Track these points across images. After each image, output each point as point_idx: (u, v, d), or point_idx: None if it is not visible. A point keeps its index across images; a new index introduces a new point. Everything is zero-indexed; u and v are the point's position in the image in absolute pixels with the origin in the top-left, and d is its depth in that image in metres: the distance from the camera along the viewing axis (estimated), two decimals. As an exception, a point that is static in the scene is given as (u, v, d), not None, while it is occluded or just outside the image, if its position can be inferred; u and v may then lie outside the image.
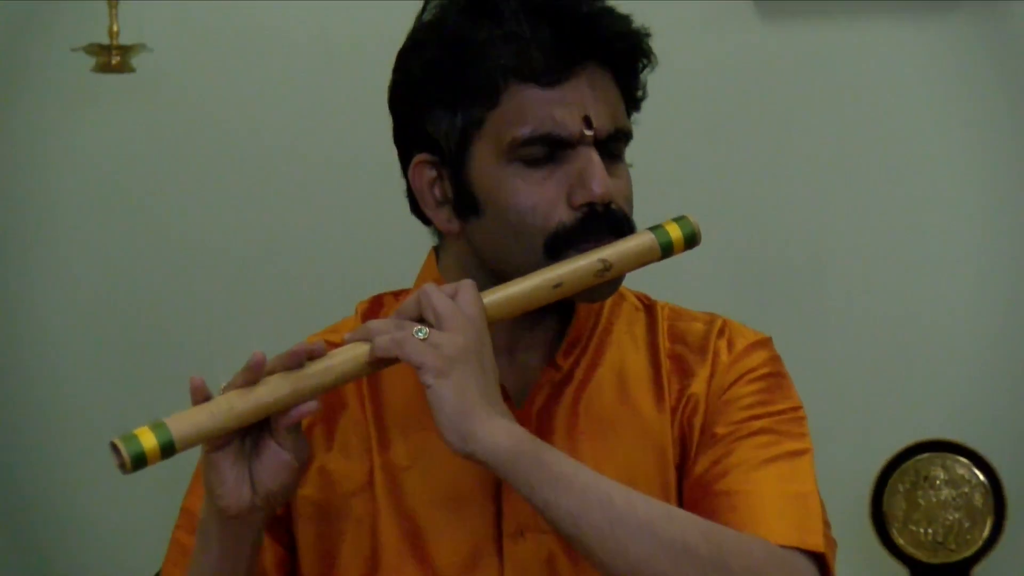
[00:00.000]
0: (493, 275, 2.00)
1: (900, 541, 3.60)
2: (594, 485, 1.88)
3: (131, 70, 3.84)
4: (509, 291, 1.96)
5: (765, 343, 2.10)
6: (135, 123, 4.11)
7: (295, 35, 4.02)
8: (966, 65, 3.83)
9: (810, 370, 3.67)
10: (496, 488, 2.01)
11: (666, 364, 2.08)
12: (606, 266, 1.97)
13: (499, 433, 1.87)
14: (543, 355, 2.06)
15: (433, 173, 2.04)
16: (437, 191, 2.04)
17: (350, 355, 1.91)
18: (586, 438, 2.03)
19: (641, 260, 2.00)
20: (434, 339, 1.88)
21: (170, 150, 4.10)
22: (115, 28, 3.81)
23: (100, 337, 4.11)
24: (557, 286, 1.96)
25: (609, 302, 2.10)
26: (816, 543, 1.95)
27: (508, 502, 2.01)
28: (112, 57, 3.82)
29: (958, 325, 3.79)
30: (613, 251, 1.98)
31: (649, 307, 2.13)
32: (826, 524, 2.00)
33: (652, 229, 2.02)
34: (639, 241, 2.01)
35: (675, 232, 2.02)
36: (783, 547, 1.93)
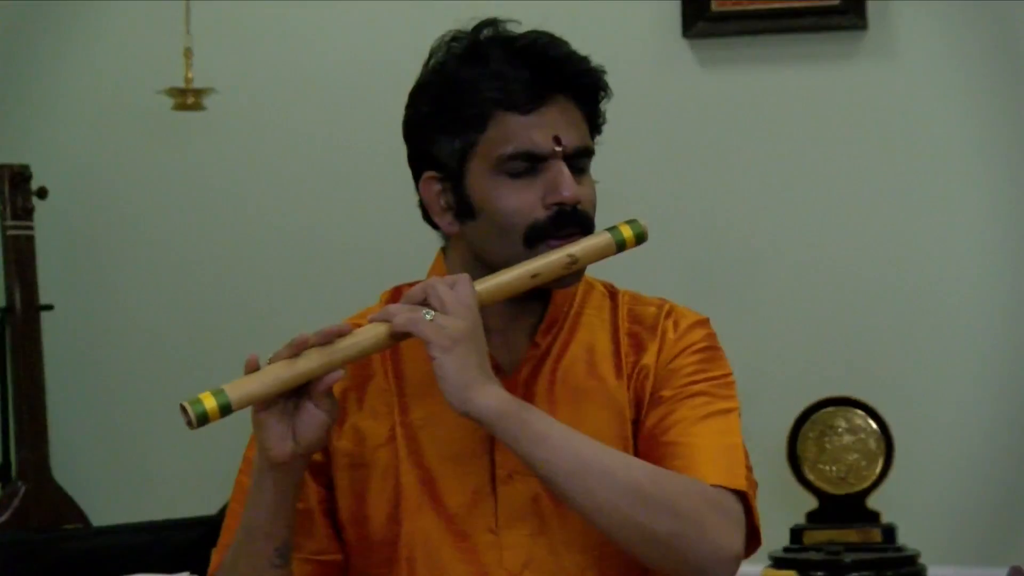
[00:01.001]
0: (486, 267, 2.02)
1: (811, 477, 3.61)
2: (565, 439, 1.92)
3: (203, 109, 3.84)
4: (497, 280, 1.99)
5: (704, 323, 2.12)
6: (207, 152, 4.11)
7: (341, 77, 4.02)
8: (870, 108, 3.84)
9: (740, 343, 3.70)
10: (490, 443, 2.03)
11: (624, 341, 2.09)
12: (573, 259, 2.00)
13: (490, 397, 1.91)
14: (528, 335, 2.08)
15: (438, 187, 2.06)
16: (442, 201, 2.06)
17: (372, 333, 1.94)
18: (562, 402, 2.04)
19: (601, 254, 2.03)
20: (440, 321, 1.91)
21: (235, 174, 4.10)
22: (190, 75, 3.82)
23: (175, 324, 4.11)
24: (535, 276, 1.99)
25: (581, 290, 2.12)
26: (740, 484, 1.97)
27: (499, 453, 2.02)
28: (188, 98, 3.82)
29: (855, 309, 3.81)
30: (578, 247, 2.01)
31: (613, 294, 2.15)
32: (749, 468, 2.02)
33: (609, 229, 2.05)
34: (599, 239, 2.03)
35: (627, 232, 2.05)
36: (715, 486, 1.95)
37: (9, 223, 3.95)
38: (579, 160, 2.04)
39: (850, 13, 3.78)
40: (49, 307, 3.99)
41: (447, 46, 2.07)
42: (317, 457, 2.07)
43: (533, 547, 2.01)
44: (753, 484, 2.02)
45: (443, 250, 2.12)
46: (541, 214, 2.00)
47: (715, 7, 3.84)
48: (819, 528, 3.56)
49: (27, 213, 3.97)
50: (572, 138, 2.02)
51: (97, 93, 4.15)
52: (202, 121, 3.98)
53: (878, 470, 3.59)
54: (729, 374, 2.09)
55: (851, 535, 3.55)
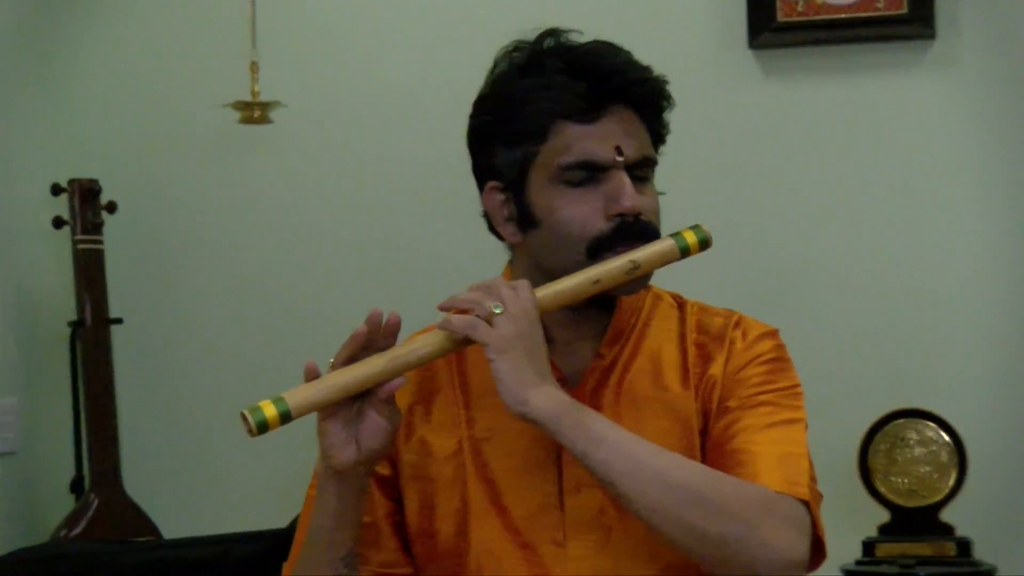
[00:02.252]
0: (548, 277, 2.01)
1: (882, 489, 3.57)
2: (621, 441, 1.91)
3: (269, 122, 3.86)
4: (558, 287, 1.98)
5: (773, 334, 2.10)
6: (273, 165, 4.12)
7: (407, 90, 4.02)
8: (937, 119, 3.80)
9: (808, 355, 3.67)
10: (557, 454, 2.02)
11: (692, 351, 2.08)
12: (635, 265, 1.99)
13: (547, 398, 1.90)
14: (593, 346, 2.07)
15: (501, 196, 2.06)
16: (505, 211, 2.06)
17: (431, 340, 1.94)
18: (627, 413, 2.03)
19: (664, 260, 2.02)
20: (496, 323, 1.90)
21: (301, 187, 4.11)
22: (256, 88, 3.83)
23: (243, 335, 4.12)
24: (596, 282, 1.98)
25: (648, 302, 2.11)
26: (802, 492, 1.95)
27: (567, 465, 2.01)
28: (254, 112, 3.84)
29: (927, 321, 3.77)
30: (641, 253, 1.99)
31: (681, 305, 2.14)
32: (812, 479, 2.00)
33: (672, 235, 2.03)
34: (662, 244, 2.02)
35: (691, 237, 2.03)
36: (775, 492, 1.93)
37: (79, 237, 3.97)
38: (641, 170, 2.03)
39: (917, 22, 3.72)
40: (119, 320, 4.01)
41: (508, 56, 2.07)
42: (385, 471, 2.07)
43: (598, 559, 2.00)
44: (817, 495, 1.99)
45: (510, 262, 2.13)
46: (603, 225, 1.99)
47: (781, 17, 3.81)
48: (892, 541, 3.51)
49: (96, 227, 3.99)
50: (633, 148, 2.01)
51: (165, 107, 4.16)
52: (268, 134, 4.00)
53: (951, 483, 3.55)
54: (797, 385, 2.07)
55: (924, 549, 3.50)
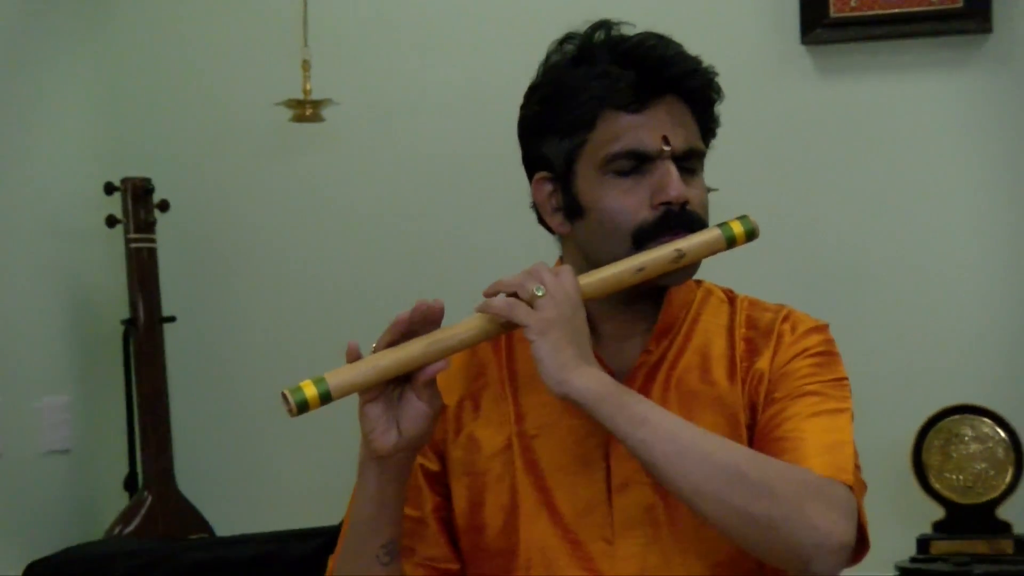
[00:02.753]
0: (595, 267, 2.01)
1: (937, 486, 3.55)
2: (664, 421, 1.89)
3: (321, 120, 3.88)
4: (602, 274, 1.97)
5: (822, 328, 2.09)
6: (325, 163, 4.13)
7: (457, 87, 4.02)
8: (994, 114, 3.76)
9: (862, 351, 3.67)
10: (605, 451, 2.02)
11: (740, 346, 2.07)
12: (680, 254, 1.98)
13: (588, 379, 1.88)
14: (642, 341, 2.06)
15: (549, 187, 2.06)
16: (553, 201, 2.06)
17: (473, 324, 1.93)
18: (675, 408, 2.02)
19: (710, 249, 2.01)
20: (537, 305, 1.90)
21: (353, 185, 4.12)
22: (308, 87, 3.85)
23: (296, 333, 4.14)
24: (640, 270, 1.97)
25: (699, 297, 2.10)
26: (847, 479, 1.93)
27: (615, 461, 2.01)
28: (306, 110, 3.85)
29: (981, 317, 3.74)
30: (686, 243, 1.98)
31: (732, 300, 2.13)
32: (857, 468, 1.98)
33: (719, 225, 2.02)
34: (708, 234, 2.01)
35: (738, 228, 2.02)
36: (821, 476, 1.91)
37: (132, 236, 3.99)
38: (688, 161, 2.03)
39: (973, 17, 3.69)
40: (172, 319, 4.03)
41: (559, 48, 2.07)
42: (434, 466, 2.07)
43: (647, 556, 2.00)
44: (862, 484, 1.98)
45: (560, 256, 2.13)
46: (649, 215, 1.99)
47: (833, 13, 3.79)
48: (946, 538, 3.49)
49: (149, 226, 4.01)
50: (681, 139, 2.01)
51: (217, 105, 4.19)
52: (320, 132, 4.02)
53: (1007, 479, 3.52)
54: (844, 378, 2.05)
55: (980, 546, 3.48)
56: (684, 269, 2.00)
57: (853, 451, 1.99)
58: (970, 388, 3.65)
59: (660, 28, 2.09)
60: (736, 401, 2.04)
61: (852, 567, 1.96)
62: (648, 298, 2.05)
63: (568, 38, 2.07)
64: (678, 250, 1.98)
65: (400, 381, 1.92)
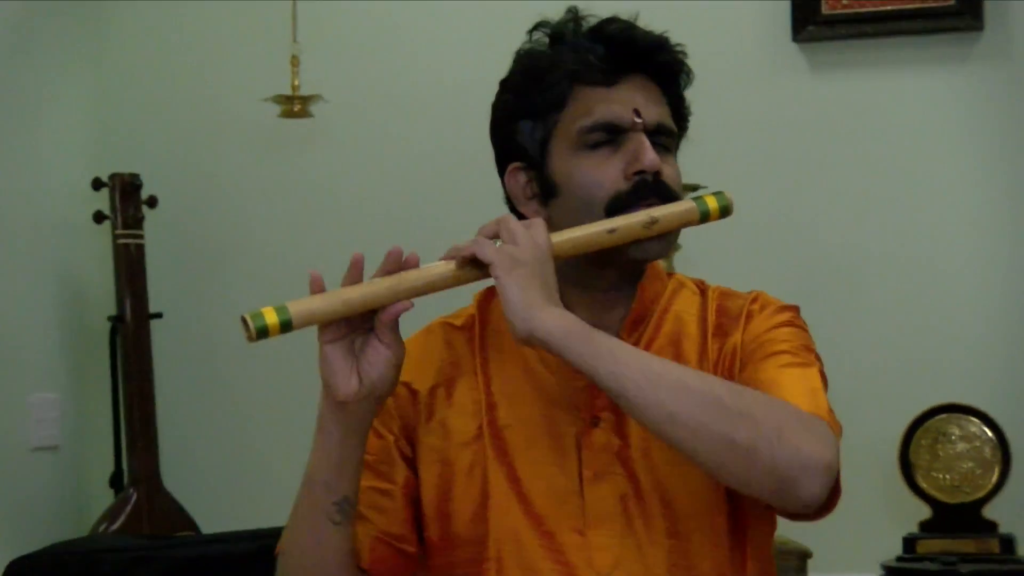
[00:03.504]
0: (579, 264, 2.00)
1: (924, 485, 3.55)
2: (635, 354, 1.87)
3: (310, 116, 3.88)
4: (574, 232, 1.96)
5: (792, 308, 2.07)
6: (313, 159, 4.14)
7: (446, 83, 4.03)
8: (986, 112, 3.77)
9: (850, 348, 3.68)
10: (578, 441, 2.00)
11: (711, 331, 2.05)
12: (653, 220, 1.96)
13: (555, 317, 1.86)
14: (614, 333, 2.03)
15: (524, 176, 2.06)
16: (528, 189, 2.06)
17: (441, 267, 1.91)
18: None
19: (682, 219, 2.00)
20: (505, 247, 1.89)
21: (341, 181, 4.13)
22: (296, 83, 3.85)
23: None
24: (612, 231, 1.96)
25: (671, 288, 2.09)
26: (825, 417, 1.90)
27: (588, 452, 2.00)
28: (295, 105, 3.85)
29: (969, 316, 3.75)
30: (660, 210, 1.98)
31: (703, 291, 2.11)
32: (832, 413, 1.94)
33: (694, 198, 2.02)
34: (682, 205, 2.01)
35: (712, 203, 2.02)
36: (799, 408, 1.89)
37: (120, 232, 3.99)
38: (660, 137, 2.03)
39: (966, 14, 3.70)
40: (159, 315, 4.03)
41: (529, 37, 2.09)
42: (405, 450, 2.06)
43: (621, 548, 1.98)
44: (839, 427, 1.94)
45: None
46: (623, 185, 1.99)
47: (825, 10, 3.80)
48: (933, 537, 3.49)
49: (137, 222, 4.00)
50: (653, 113, 2.02)
51: (205, 101, 4.19)
52: (309, 128, 4.02)
53: (994, 479, 3.53)
54: (814, 349, 2.03)
55: (967, 545, 3.48)
56: (658, 241, 1.99)
57: (826, 399, 1.95)
58: (958, 387, 3.65)
59: (653, 27, 2.10)
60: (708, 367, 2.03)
61: (824, 517, 1.93)
62: (621, 287, 2.04)
63: (538, 26, 2.08)
64: (651, 216, 1.97)
65: (362, 327, 1.89)
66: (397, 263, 1.89)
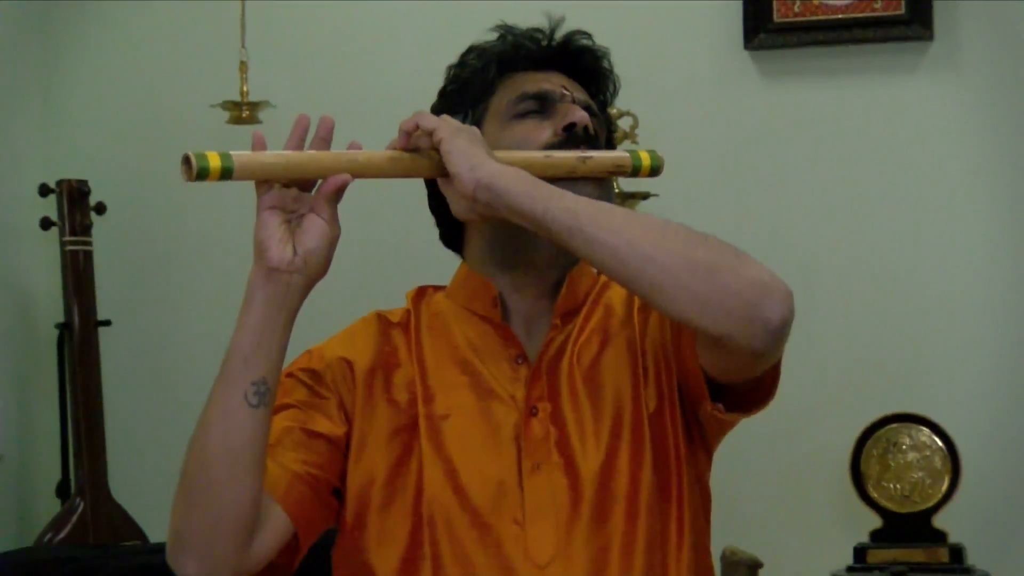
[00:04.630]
0: (504, 240, 2.00)
1: (874, 495, 3.55)
2: (578, 198, 1.87)
3: (258, 122, 3.86)
4: (510, 152, 1.96)
5: None
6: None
7: (396, 91, 3.98)
8: (935, 121, 3.79)
9: (802, 358, 3.67)
10: (516, 434, 1.98)
11: (636, 307, 2.05)
12: (586, 157, 1.97)
13: (502, 166, 1.87)
14: (548, 321, 2.04)
15: None
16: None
17: (385, 152, 1.94)
18: (581, 380, 2.00)
19: (615, 165, 2.01)
20: (447, 117, 1.93)
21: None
22: (245, 89, 3.82)
23: (228, 332, 4.09)
24: (547, 156, 1.97)
25: (602, 282, 2.09)
26: None
27: (527, 443, 1.98)
28: (243, 112, 3.83)
29: (919, 325, 3.76)
30: (595, 152, 1.99)
31: None
32: None
33: (628, 151, 2.04)
34: (616, 153, 2.03)
35: (646, 159, 2.04)
36: None
37: (68, 239, 3.96)
38: (591, 119, 2.04)
39: (915, 24, 3.71)
40: (107, 323, 3.99)
41: (464, 57, 2.12)
42: (339, 430, 1.99)
43: (559, 539, 1.95)
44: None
45: (464, 258, 2.10)
46: (553, 140, 2.00)
47: (777, 18, 3.81)
48: (883, 547, 3.49)
49: (85, 229, 3.98)
50: (581, 95, 2.05)
51: (154, 108, 4.16)
52: (257, 135, 4.00)
53: (944, 488, 3.53)
54: None
55: (917, 555, 3.48)
56: (587, 179, 1.98)
57: None
58: (909, 397, 3.66)
59: (604, 37, 2.13)
60: (634, 340, 2.02)
61: (765, 406, 1.95)
62: (553, 266, 2.03)
63: (471, 50, 2.11)
64: (585, 155, 1.98)
65: (302, 208, 1.88)
66: (330, 130, 1.91)
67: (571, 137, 2.00)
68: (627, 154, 2.03)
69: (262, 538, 1.91)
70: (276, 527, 1.94)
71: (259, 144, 1.87)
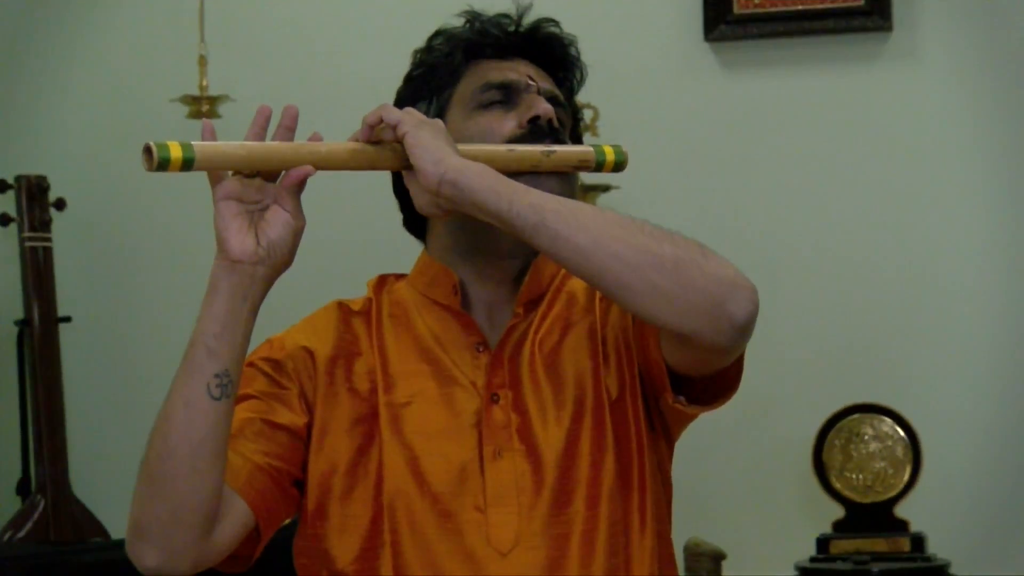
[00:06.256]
0: (473, 226, 1.96)
1: (837, 485, 3.56)
2: (547, 193, 1.86)
3: (218, 116, 3.84)
4: (475, 145, 1.94)
5: None
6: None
7: (357, 85, 3.99)
8: (895, 111, 3.80)
9: (763, 349, 3.67)
10: (477, 420, 1.96)
11: (598, 297, 2.03)
12: (550, 152, 1.95)
13: (467, 161, 1.85)
14: (510, 310, 2.01)
15: None
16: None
17: (346, 143, 1.91)
18: (542, 367, 1.99)
19: (579, 159, 1.99)
20: (410, 109, 1.89)
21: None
22: (204, 83, 3.80)
23: (190, 328, 4.09)
24: (511, 151, 1.94)
25: (563, 273, 2.06)
26: None
27: (488, 429, 1.96)
28: (202, 106, 3.81)
29: (881, 315, 3.77)
30: (559, 147, 1.97)
31: None
32: None
33: (593, 146, 2.02)
34: (581, 148, 2.01)
35: (610, 154, 2.01)
36: None
37: (27, 234, 3.94)
38: (556, 108, 2.01)
39: (875, 14, 3.74)
40: (67, 319, 3.98)
41: (429, 42, 2.08)
42: (300, 421, 1.97)
43: (521, 525, 1.93)
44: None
45: (425, 247, 2.08)
46: (517, 132, 1.98)
47: (737, 10, 3.82)
48: (846, 537, 3.50)
49: (45, 224, 3.96)
50: (546, 84, 2.02)
51: (112, 102, 4.14)
52: (217, 129, 3.95)
53: (906, 478, 3.54)
54: None
55: (879, 544, 3.49)
56: (554, 179, 1.96)
57: None
58: (871, 388, 3.67)
59: (564, 28, 2.10)
60: (595, 329, 2.01)
61: (730, 397, 1.94)
62: (513, 266, 2.01)
63: (438, 33, 2.08)
64: (550, 149, 1.96)
65: (262, 201, 1.87)
66: (294, 119, 1.89)
67: (535, 130, 1.98)
68: (591, 149, 2.01)
69: (223, 529, 1.89)
70: (237, 518, 1.92)
71: (209, 135, 1.85)
